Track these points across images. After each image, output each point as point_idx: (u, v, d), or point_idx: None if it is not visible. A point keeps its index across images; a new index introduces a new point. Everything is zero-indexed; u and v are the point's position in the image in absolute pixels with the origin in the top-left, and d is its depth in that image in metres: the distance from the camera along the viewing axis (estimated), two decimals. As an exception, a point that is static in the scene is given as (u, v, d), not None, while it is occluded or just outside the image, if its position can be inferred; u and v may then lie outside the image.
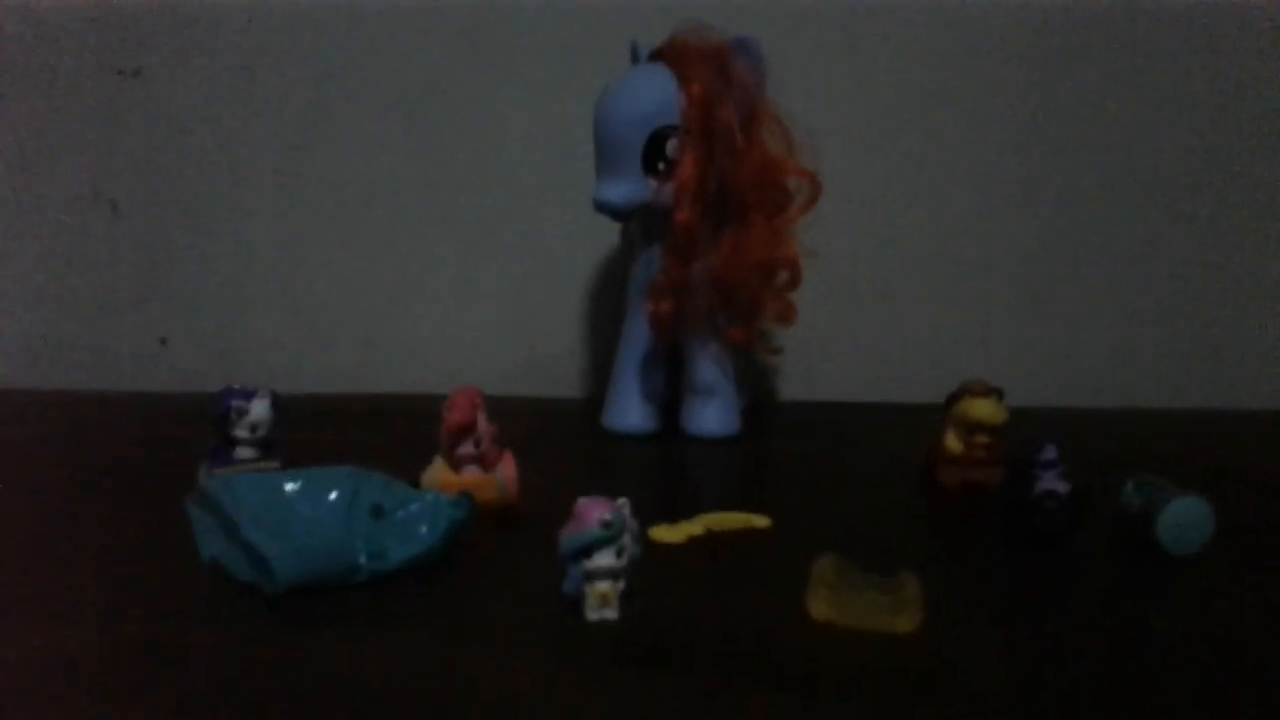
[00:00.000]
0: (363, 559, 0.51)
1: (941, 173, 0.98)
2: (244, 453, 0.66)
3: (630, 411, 0.83)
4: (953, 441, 0.69)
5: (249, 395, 0.65)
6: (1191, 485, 0.57)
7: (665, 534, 0.58)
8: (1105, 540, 0.59)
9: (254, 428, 0.65)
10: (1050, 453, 0.59)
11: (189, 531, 0.54)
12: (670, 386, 0.84)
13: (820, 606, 0.48)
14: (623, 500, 0.48)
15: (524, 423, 0.71)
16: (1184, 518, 0.56)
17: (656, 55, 0.79)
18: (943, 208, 0.98)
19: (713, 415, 0.82)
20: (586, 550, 0.47)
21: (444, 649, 0.45)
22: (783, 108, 0.78)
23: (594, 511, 0.47)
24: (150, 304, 1.03)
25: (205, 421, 0.66)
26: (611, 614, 0.48)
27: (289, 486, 0.54)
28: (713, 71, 0.76)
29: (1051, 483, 0.58)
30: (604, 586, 0.47)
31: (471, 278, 1.02)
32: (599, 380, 0.97)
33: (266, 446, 0.66)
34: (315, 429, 0.79)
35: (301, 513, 0.52)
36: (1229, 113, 0.97)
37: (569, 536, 0.47)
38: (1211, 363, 0.99)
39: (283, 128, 1.01)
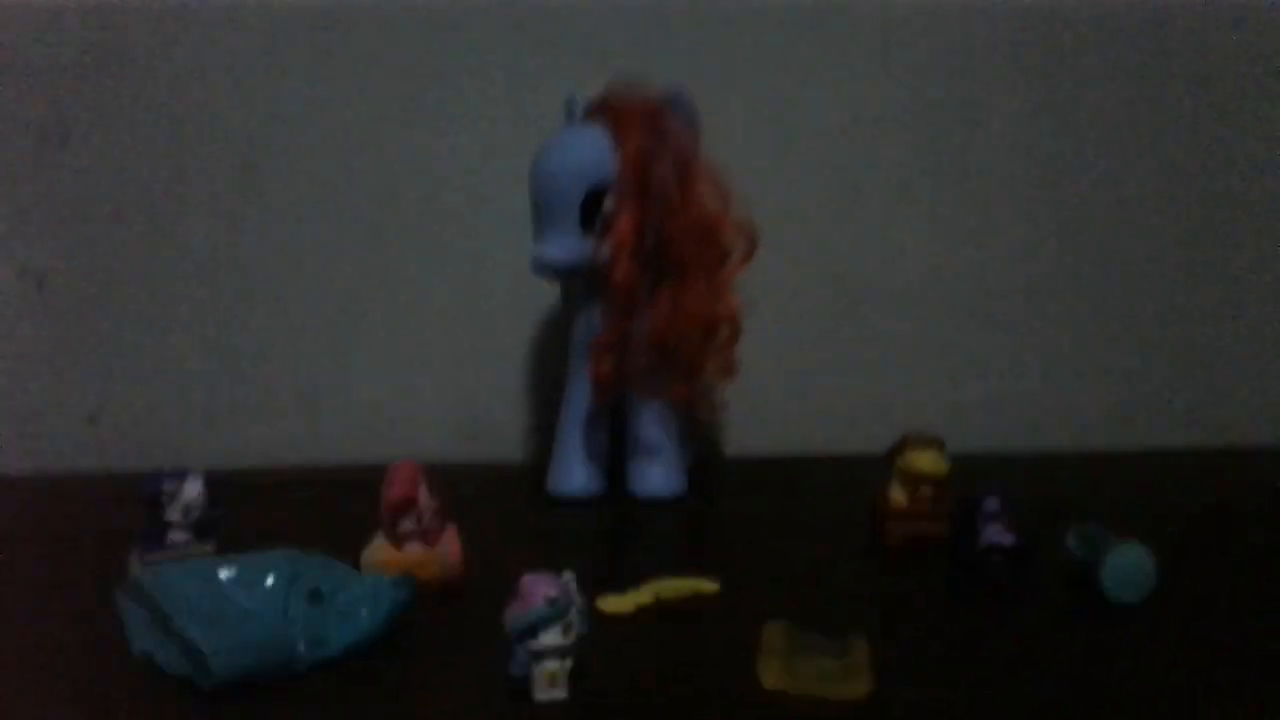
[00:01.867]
0: (302, 647, 0.50)
1: (879, 222, 0.99)
2: (177, 536, 0.64)
3: (575, 474, 0.82)
4: (898, 495, 0.69)
5: (180, 476, 0.64)
6: (1134, 529, 0.58)
7: (614, 604, 0.57)
8: (1051, 591, 0.59)
9: (187, 510, 0.63)
10: (993, 505, 0.59)
11: (120, 623, 0.52)
12: (614, 447, 0.84)
13: (771, 676, 0.48)
14: (568, 575, 0.48)
15: (467, 490, 0.70)
16: (1126, 568, 0.56)
17: (591, 112, 0.79)
18: (879, 256, 0.99)
19: (657, 475, 0.82)
20: (533, 630, 0.46)
21: (389, 740, 0.44)
22: (718, 162, 0.79)
23: (539, 589, 0.46)
24: (78, 381, 1.00)
25: (138, 503, 0.64)
26: (561, 694, 0.47)
27: (223, 574, 0.52)
28: (647, 128, 0.76)
29: (996, 535, 0.58)
30: (552, 666, 0.47)
31: (409, 342, 1.00)
32: (542, 442, 0.96)
33: (200, 529, 0.64)
34: (252, 507, 0.77)
35: (237, 602, 0.51)
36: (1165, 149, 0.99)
37: (514, 616, 0.46)
38: (1152, 404, 1.00)
39: (213, 193, 0.99)
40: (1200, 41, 0.98)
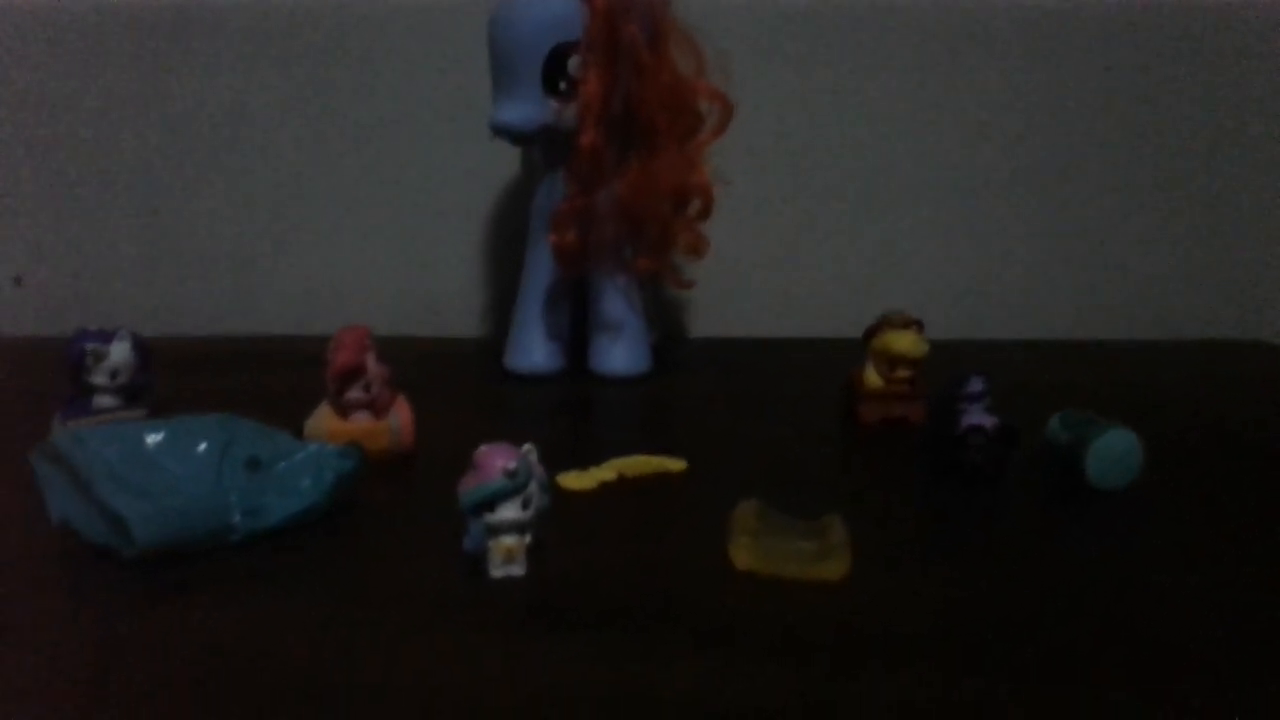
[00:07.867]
0: (237, 517, 0.46)
1: (855, 100, 0.95)
2: (104, 401, 0.60)
3: (534, 350, 0.79)
4: (873, 376, 0.67)
5: (107, 337, 0.59)
6: (1117, 418, 0.55)
7: (575, 481, 0.55)
8: (1032, 475, 0.57)
9: (114, 373, 0.59)
10: (976, 385, 0.57)
11: (37, 490, 0.48)
12: (576, 323, 0.80)
13: (743, 555, 0.45)
14: (528, 446, 0.44)
15: (419, 364, 0.66)
16: (1113, 451, 0.54)
17: (556, -35, 0.73)
18: (857, 135, 0.96)
19: (621, 353, 0.79)
20: (489, 503, 0.43)
21: (331, 615, 0.41)
22: (690, 25, 0.74)
23: (496, 460, 0.43)
24: (0, 241, 0.95)
25: (62, 365, 0.60)
26: (518, 570, 0.44)
27: (151, 438, 0.48)
28: (616, -18, 0.71)
29: (978, 416, 0.56)
30: (509, 541, 0.43)
31: (358, 207, 0.96)
32: (500, 318, 0.92)
33: (130, 394, 0.60)
34: (187, 375, 0.73)
35: (166, 468, 0.47)
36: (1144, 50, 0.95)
37: (470, 488, 0.43)
38: (1135, 293, 0.99)
39: (144, 46, 0.92)
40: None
